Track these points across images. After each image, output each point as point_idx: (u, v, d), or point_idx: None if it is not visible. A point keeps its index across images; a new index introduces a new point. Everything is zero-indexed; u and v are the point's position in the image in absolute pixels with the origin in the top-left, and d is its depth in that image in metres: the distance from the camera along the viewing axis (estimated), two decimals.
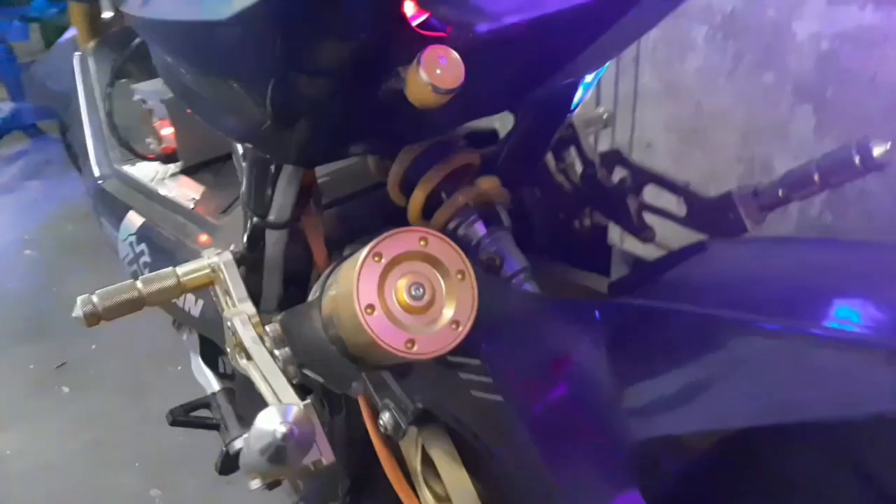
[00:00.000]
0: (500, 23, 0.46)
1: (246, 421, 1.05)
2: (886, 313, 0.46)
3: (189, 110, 0.71)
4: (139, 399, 1.83)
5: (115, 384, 1.91)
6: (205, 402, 1.06)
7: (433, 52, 0.44)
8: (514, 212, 0.89)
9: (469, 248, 0.80)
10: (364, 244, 0.51)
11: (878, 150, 0.72)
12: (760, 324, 0.46)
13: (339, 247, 0.89)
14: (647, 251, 1.00)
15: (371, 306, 0.45)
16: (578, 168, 1.05)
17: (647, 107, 1.41)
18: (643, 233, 0.96)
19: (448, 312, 0.47)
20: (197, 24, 0.44)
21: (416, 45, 0.44)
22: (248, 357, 0.71)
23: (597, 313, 0.54)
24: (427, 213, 0.83)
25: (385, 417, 0.69)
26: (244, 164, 0.81)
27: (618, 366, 0.52)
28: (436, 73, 0.44)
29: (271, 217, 0.76)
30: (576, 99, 0.93)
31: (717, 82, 1.26)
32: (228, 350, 0.78)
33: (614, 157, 0.99)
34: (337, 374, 0.52)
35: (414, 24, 0.44)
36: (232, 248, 0.88)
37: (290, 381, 0.62)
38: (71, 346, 2.03)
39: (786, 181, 0.81)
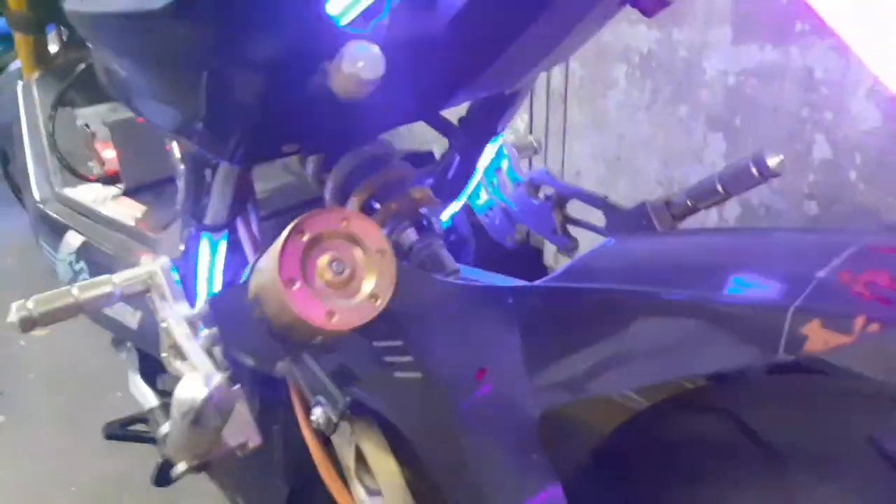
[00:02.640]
0: (420, 22, 0.52)
1: None
2: (772, 283, 0.51)
3: (121, 103, 0.73)
4: (78, 426, 1.79)
5: (54, 412, 1.87)
6: (142, 418, 1.06)
7: (354, 45, 0.49)
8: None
9: (401, 253, 0.84)
10: None
11: (772, 161, 0.80)
12: (660, 296, 0.51)
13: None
14: None
15: (292, 280, 0.48)
16: (508, 188, 1.12)
17: (576, 138, 1.49)
18: (567, 244, 1.02)
19: (367, 287, 0.50)
20: (132, 14, 0.48)
21: (339, 40, 0.49)
22: (182, 357, 0.73)
23: (510, 297, 0.58)
24: None
25: (317, 413, 0.71)
26: (181, 168, 0.84)
27: (530, 347, 0.56)
28: (357, 65, 0.49)
29: (207, 220, 0.79)
30: (502, 123, 1.00)
31: (637, 115, 1.35)
32: (164, 355, 0.80)
33: (540, 177, 1.05)
34: (263, 354, 0.55)
35: (338, 21, 0.49)
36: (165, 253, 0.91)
37: (218, 368, 0.64)
38: (7, 375, 1.98)
39: (693, 192, 0.88)
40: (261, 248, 0.90)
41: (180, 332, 0.68)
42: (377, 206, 0.87)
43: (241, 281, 0.56)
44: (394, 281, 0.51)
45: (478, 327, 0.57)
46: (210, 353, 0.57)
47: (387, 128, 0.80)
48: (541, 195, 1.05)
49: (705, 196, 0.87)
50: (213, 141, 0.58)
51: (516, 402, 0.54)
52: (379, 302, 0.50)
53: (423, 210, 0.89)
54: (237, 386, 0.59)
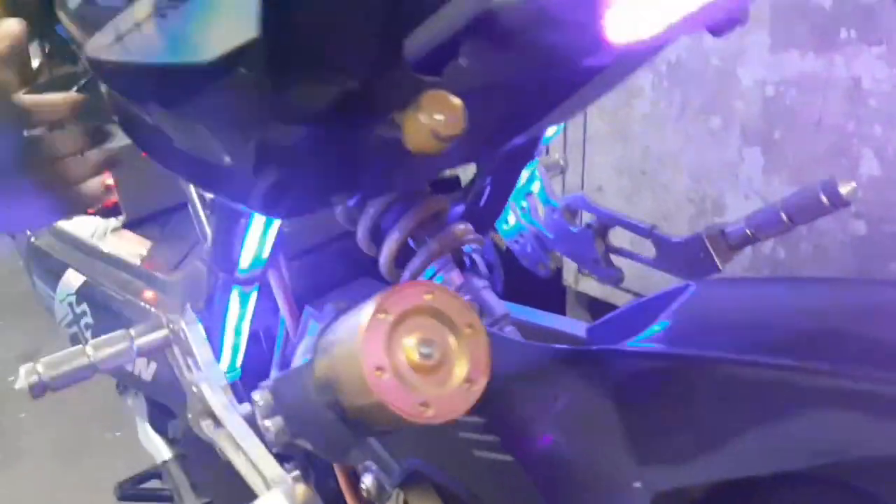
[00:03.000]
0: (491, 64, 0.45)
1: (202, 489, 0.98)
2: (885, 352, 0.45)
3: (146, 155, 0.67)
4: (74, 467, 1.70)
5: (49, 452, 1.78)
6: (155, 473, 0.98)
7: (434, 97, 0.42)
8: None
9: None
10: (338, 299, 0.47)
11: (844, 189, 0.74)
12: (763, 366, 0.45)
13: (308, 301, 0.84)
14: (605, 293, 1.00)
15: (380, 368, 0.41)
16: (541, 213, 1.05)
17: (597, 151, 1.43)
18: (611, 275, 0.96)
19: (460, 370, 0.43)
20: (176, 67, 0.41)
21: (411, 88, 0.42)
22: (218, 424, 0.66)
23: (602, 362, 0.52)
24: (398, 263, 0.80)
25: (368, 481, 0.65)
26: (202, 216, 0.77)
27: (629, 420, 0.50)
28: (436, 117, 0.42)
29: (241, 274, 0.71)
30: (540, 145, 0.93)
31: (665, 127, 1.29)
32: (190, 416, 0.72)
33: (578, 202, 0.99)
34: (332, 443, 0.48)
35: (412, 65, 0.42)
36: (188, 306, 0.83)
37: (269, 449, 0.57)
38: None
39: (753, 221, 0.82)
40: (286, 292, 0.83)
41: (218, 403, 0.61)
42: (413, 244, 0.81)
43: (304, 361, 0.49)
44: (489, 361, 0.44)
45: (572, 400, 0.50)
46: (270, 442, 0.49)
47: (439, 172, 0.73)
48: (577, 221, 0.99)
49: (767, 226, 0.80)
50: (253, 196, 0.51)
51: (624, 488, 0.47)
52: (475, 387, 0.43)
53: (465, 248, 0.83)
54: (297, 472, 0.52)
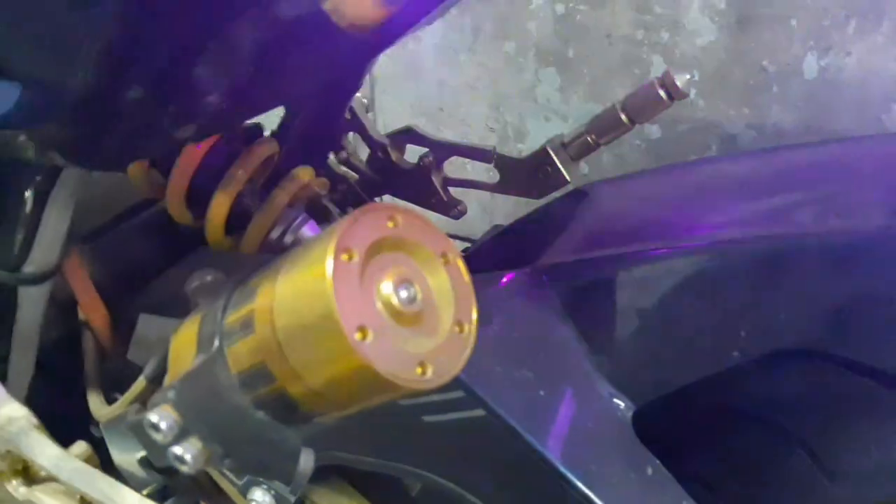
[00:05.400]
0: None
1: None
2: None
3: None
4: None
5: None
6: None
7: None
8: None
9: None
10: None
11: (681, 81, 0.75)
12: (709, 248, 0.42)
13: (115, 293, 0.67)
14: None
15: (363, 328, 0.31)
16: (363, 155, 0.96)
17: (388, 91, 1.35)
18: (454, 209, 0.90)
19: (447, 313, 0.34)
20: None
21: None
22: (36, 480, 0.49)
23: (545, 278, 0.45)
24: (229, 228, 0.66)
25: (257, 496, 0.51)
26: None
27: (584, 333, 0.44)
28: None
29: (29, 268, 0.52)
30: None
31: (458, 58, 1.25)
32: None
33: (405, 136, 0.91)
34: (268, 454, 0.36)
35: None
36: None
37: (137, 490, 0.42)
38: None
39: (593, 127, 0.80)
40: (87, 284, 0.64)
41: (44, 452, 0.45)
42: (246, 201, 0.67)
43: (205, 353, 0.35)
44: (473, 294, 0.35)
45: (529, 328, 0.43)
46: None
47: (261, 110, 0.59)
48: (409, 157, 0.91)
49: (609, 129, 0.80)
50: (77, 140, 0.36)
51: (606, 414, 0.42)
52: (466, 330, 0.34)
53: (312, 195, 0.71)
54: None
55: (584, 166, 1.22)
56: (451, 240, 0.35)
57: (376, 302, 0.32)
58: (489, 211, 1.28)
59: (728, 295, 0.43)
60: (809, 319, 0.42)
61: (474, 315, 0.34)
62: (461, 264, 0.35)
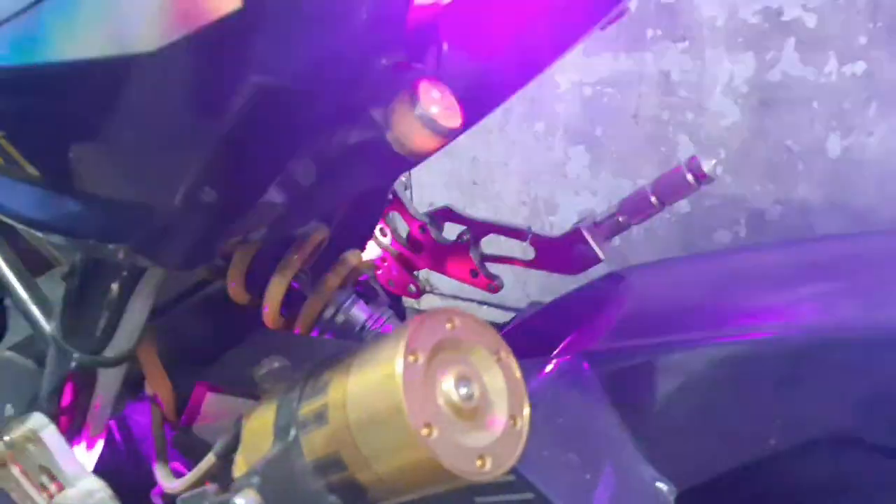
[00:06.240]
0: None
1: None
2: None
3: None
4: None
5: None
6: None
7: (429, 86, 0.36)
8: None
9: (354, 335, 0.70)
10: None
11: (707, 167, 0.79)
12: (780, 336, 0.44)
13: (175, 370, 0.71)
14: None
15: (428, 424, 0.34)
16: (402, 233, 1.00)
17: (424, 167, 1.41)
18: (490, 283, 0.94)
19: (501, 408, 0.37)
20: (112, 60, 0.30)
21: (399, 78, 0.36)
22: None
23: (585, 365, 0.49)
24: (284, 308, 0.70)
25: None
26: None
27: (624, 418, 0.47)
28: (432, 109, 0.37)
29: (109, 353, 0.57)
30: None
31: (490, 136, 1.31)
32: None
33: (444, 214, 0.96)
34: None
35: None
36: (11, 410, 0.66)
37: None
38: None
39: (624, 208, 0.84)
40: (150, 362, 0.69)
41: None
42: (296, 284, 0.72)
43: (283, 441, 0.38)
44: (525, 391, 0.38)
45: (573, 413, 0.46)
46: None
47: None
48: (447, 235, 0.95)
49: (638, 210, 0.83)
50: (170, 242, 0.40)
51: (648, 497, 0.44)
52: (519, 425, 0.37)
53: (361, 277, 0.75)
54: None
55: (616, 240, 1.26)
56: (503, 339, 0.39)
57: (439, 399, 0.35)
58: (522, 280, 1.32)
59: (762, 384, 0.46)
60: (841, 409, 0.44)
61: (526, 410, 0.38)
62: (513, 363, 0.38)
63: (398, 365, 0.34)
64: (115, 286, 0.53)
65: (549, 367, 0.49)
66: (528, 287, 1.29)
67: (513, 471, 0.43)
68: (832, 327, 0.45)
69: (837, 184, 1.05)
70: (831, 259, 0.54)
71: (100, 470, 0.64)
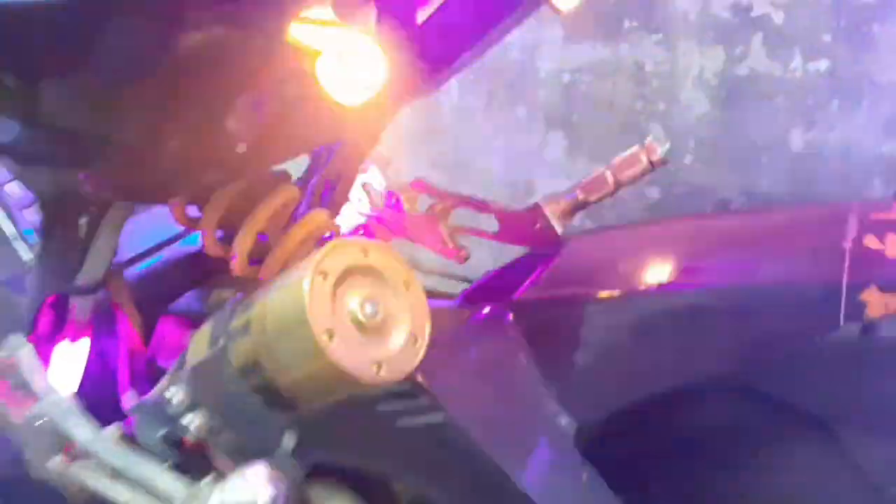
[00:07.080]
0: None
1: None
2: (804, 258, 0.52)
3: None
4: None
5: None
6: None
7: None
8: None
9: None
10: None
11: (661, 150, 0.83)
12: (688, 290, 0.49)
13: (148, 314, 0.76)
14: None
15: (329, 331, 0.39)
16: (377, 203, 1.05)
17: (408, 146, 1.46)
18: (458, 254, 0.98)
19: (403, 327, 0.42)
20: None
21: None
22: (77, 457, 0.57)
23: (509, 314, 0.54)
24: (253, 260, 0.75)
25: None
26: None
27: (540, 361, 0.52)
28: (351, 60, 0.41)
29: (80, 280, 0.62)
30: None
31: (474, 119, 1.35)
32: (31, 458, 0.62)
33: (416, 186, 1.00)
34: (258, 432, 0.44)
35: None
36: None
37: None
38: None
39: (584, 186, 0.89)
40: (128, 299, 0.74)
41: (82, 432, 0.53)
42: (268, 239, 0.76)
43: (214, 349, 0.44)
44: (428, 316, 0.43)
45: (489, 353, 0.51)
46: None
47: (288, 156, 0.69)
48: (417, 206, 1.00)
49: (596, 190, 0.88)
50: (131, 173, 0.45)
51: (551, 426, 0.49)
52: (419, 343, 0.42)
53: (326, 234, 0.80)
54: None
55: (588, 222, 1.31)
56: (414, 271, 0.44)
57: (343, 312, 0.40)
58: (497, 258, 1.36)
59: (661, 332, 0.50)
60: (729, 355, 0.49)
61: (427, 331, 0.43)
62: (420, 291, 0.44)
63: (306, 281, 0.39)
64: (83, 220, 0.58)
65: (473, 313, 0.54)
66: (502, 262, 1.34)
67: (427, 394, 0.48)
68: (723, 284, 0.50)
69: (799, 176, 1.09)
70: (737, 228, 0.59)
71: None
